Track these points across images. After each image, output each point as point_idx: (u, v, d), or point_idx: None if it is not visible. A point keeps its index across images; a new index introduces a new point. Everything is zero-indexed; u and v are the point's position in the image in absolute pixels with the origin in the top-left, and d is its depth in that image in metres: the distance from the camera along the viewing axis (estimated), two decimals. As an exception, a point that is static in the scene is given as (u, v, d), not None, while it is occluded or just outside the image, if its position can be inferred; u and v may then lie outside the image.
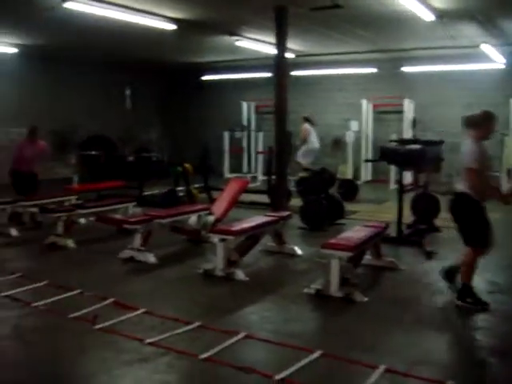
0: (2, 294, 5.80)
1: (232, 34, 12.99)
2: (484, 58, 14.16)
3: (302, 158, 13.44)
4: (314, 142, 13.74)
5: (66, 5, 9.55)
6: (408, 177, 11.16)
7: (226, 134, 17.96)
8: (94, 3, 9.63)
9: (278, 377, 3.87)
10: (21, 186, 10.06)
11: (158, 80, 21.20)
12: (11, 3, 10.00)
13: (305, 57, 15.92)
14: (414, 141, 9.25)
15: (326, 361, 4.20)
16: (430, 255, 7.50)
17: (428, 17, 10.06)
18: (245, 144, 18.79)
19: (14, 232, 8.95)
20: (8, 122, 16.47)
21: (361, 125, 16.67)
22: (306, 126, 13.72)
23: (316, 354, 4.26)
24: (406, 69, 16.22)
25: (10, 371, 4.13)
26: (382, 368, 4.01)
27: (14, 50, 14.84)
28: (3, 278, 6.46)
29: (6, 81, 16.25)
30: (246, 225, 7.07)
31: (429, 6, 9.60)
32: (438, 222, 9.23)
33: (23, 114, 16.72)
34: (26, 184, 10.10)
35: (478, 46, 12.90)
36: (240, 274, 6.47)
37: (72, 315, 5.13)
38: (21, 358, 4.40)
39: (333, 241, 6.04)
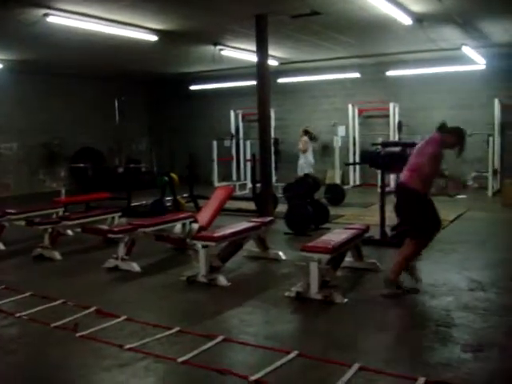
0: (-14, 306, 5.87)
1: (216, 43, 13.15)
2: (465, 60, 14.32)
3: (300, 171, 12.79)
4: (311, 157, 13.17)
5: (49, 19, 9.69)
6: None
7: (215, 143, 18.03)
8: (76, 17, 9.78)
9: (253, 378, 3.94)
10: None
11: (146, 91, 21.33)
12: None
13: (289, 64, 16.09)
14: (395, 143, 9.34)
15: (301, 361, 4.27)
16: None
17: (406, 21, 10.19)
18: (233, 152, 18.96)
19: (0, 246, 9.00)
20: (-3, 137, 16.51)
21: (348, 130, 16.82)
22: (306, 138, 13.17)
23: (292, 355, 4.33)
24: (390, 73, 16.32)
25: (-10, 380, 4.18)
26: (355, 366, 4.08)
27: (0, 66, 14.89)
28: (-13, 290, 6.52)
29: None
30: (227, 231, 7.11)
31: (406, 9, 9.73)
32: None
33: (12, 129, 16.80)
34: None
35: (459, 49, 13.06)
36: (222, 280, 6.54)
37: (54, 324, 5.20)
38: (2, 366, 4.46)
39: (311, 243, 6.12)
